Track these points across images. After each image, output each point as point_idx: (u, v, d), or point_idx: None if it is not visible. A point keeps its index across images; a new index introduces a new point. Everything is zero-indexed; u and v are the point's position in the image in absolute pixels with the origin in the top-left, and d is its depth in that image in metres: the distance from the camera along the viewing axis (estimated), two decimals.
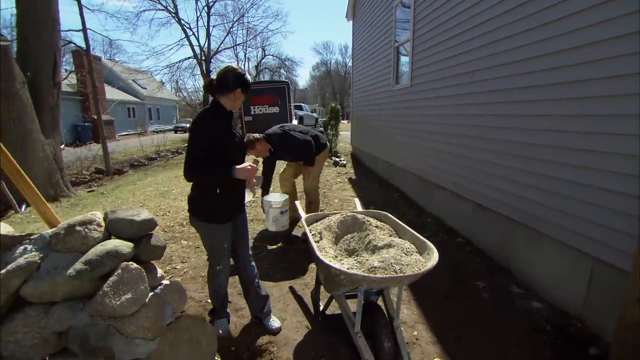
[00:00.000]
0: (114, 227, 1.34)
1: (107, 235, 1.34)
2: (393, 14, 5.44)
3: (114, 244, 1.25)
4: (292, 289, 2.59)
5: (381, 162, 6.32)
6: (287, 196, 3.14)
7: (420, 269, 1.69)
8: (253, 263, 2.12)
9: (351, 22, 8.55)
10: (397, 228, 2.17)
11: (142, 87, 24.94)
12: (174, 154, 12.82)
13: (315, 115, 21.77)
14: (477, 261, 2.95)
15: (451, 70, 3.59)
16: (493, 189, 2.96)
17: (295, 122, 15.90)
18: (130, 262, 1.26)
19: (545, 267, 2.37)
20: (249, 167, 1.78)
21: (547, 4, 2.26)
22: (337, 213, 2.33)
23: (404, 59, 5.26)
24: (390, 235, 2.15)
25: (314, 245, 1.81)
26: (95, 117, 11.08)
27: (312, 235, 2.06)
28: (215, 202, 1.85)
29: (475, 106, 3.18)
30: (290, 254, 3.22)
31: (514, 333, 2.04)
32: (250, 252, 2.12)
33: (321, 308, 2.25)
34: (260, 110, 13.92)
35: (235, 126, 1.93)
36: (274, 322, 2.10)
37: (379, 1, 6.16)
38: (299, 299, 2.46)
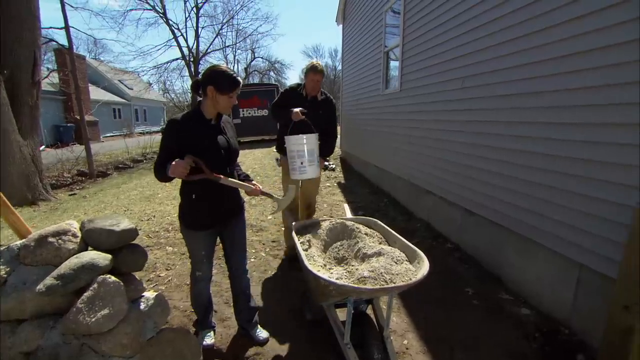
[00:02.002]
0: (91, 238, 1.26)
1: (84, 247, 1.27)
2: (383, 19, 5.47)
3: (91, 256, 1.17)
4: (281, 295, 2.53)
5: (371, 166, 6.32)
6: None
7: (410, 279, 1.66)
8: (248, 274, 2.05)
9: (341, 26, 8.58)
10: (387, 235, 2.14)
11: (129, 88, 24.43)
12: None
13: None
14: (467, 267, 2.95)
15: (440, 76, 3.62)
16: (482, 195, 2.97)
17: None
18: (108, 275, 1.18)
19: (533, 274, 2.38)
20: (180, 163, 1.51)
21: (535, 13, 2.29)
22: (326, 220, 2.29)
23: (394, 64, 5.29)
24: (380, 243, 2.12)
25: (302, 254, 1.77)
26: (78, 117, 10.78)
27: (301, 243, 2.01)
28: (191, 208, 1.78)
29: (465, 112, 3.20)
30: (274, 261, 3.15)
31: (505, 341, 2.03)
32: (247, 262, 2.05)
33: (309, 317, 2.20)
34: (249, 113, 13.82)
35: (225, 130, 1.81)
36: (261, 332, 2.04)
37: (369, 6, 6.19)
38: (286, 307, 2.40)
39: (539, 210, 2.32)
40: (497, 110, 2.74)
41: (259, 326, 2.08)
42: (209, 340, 1.99)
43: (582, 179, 1.99)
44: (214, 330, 2.09)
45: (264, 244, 3.55)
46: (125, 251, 1.32)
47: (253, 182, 1.89)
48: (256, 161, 9.33)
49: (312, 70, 2.74)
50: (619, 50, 1.76)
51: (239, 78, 1.70)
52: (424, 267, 1.65)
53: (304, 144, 2.53)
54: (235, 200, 1.91)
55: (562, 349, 1.95)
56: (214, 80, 1.63)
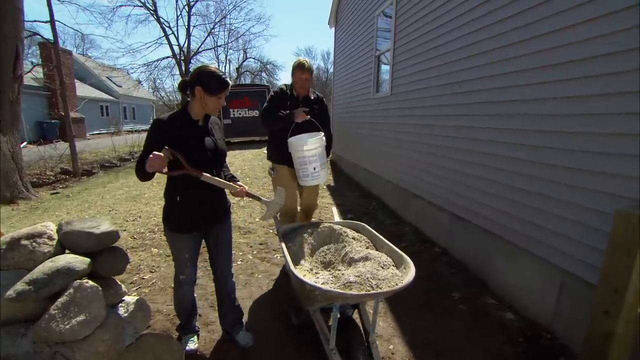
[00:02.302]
0: (69, 241, 1.21)
1: (60, 250, 1.22)
2: (375, 23, 5.50)
3: (67, 259, 1.13)
4: (267, 300, 2.50)
5: (360, 169, 6.34)
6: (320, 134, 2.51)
7: (397, 284, 1.66)
8: (233, 278, 2.01)
9: (333, 29, 8.61)
10: (374, 240, 2.14)
11: (118, 85, 23.98)
12: None
13: None
14: (454, 272, 2.97)
15: (432, 80, 3.65)
16: (470, 200, 3.00)
17: None
18: (85, 280, 1.14)
19: (518, 279, 2.41)
20: (157, 155, 1.43)
21: (531, 19, 2.30)
22: (313, 223, 2.27)
23: (385, 68, 5.32)
24: (367, 247, 2.11)
25: (288, 258, 1.74)
26: (63, 113, 10.50)
27: (287, 247, 1.99)
28: (175, 210, 1.75)
29: (454, 118, 3.24)
30: (262, 264, 3.12)
31: (489, 345, 2.04)
32: (232, 266, 2.01)
33: (296, 321, 2.18)
34: (240, 114, 13.72)
35: (213, 131, 1.77)
36: (246, 337, 2.00)
37: (361, 10, 6.23)
38: (272, 311, 2.37)
39: (525, 216, 2.35)
40: (486, 117, 2.78)
41: (243, 330, 2.04)
42: (192, 345, 1.94)
43: (568, 187, 2.02)
44: (198, 335, 2.05)
45: (251, 247, 3.51)
46: (105, 254, 1.28)
47: (239, 182, 1.86)
48: (246, 162, 9.26)
49: (299, 69, 2.60)
50: (618, 58, 1.75)
51: (228, 79, 1.67)
52: (410, 272, 1.65)
53: (316, 147, 2.33)
54: (221, 202, 1.88)
55: (544, 354, 1.98)
56: (203, 81, 1.60)
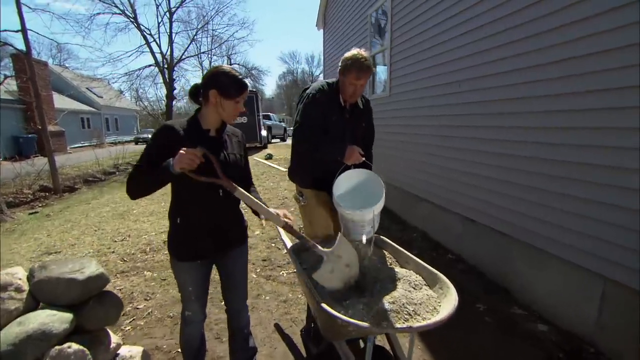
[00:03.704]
0: (44, 292, 0.96)
1: (33, 304, 0.96)
2: (368, 22, 5.34)
3: (41, 320, 0.88)
4: (278, 327, 2.26)
5: None
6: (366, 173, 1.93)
7: (434, 307, 1.46)
8: (248, 313, 1.76)
9: (322, 30, 8.44)
10: (397, 255, 1.93)
11: (98, 96, 23.21)
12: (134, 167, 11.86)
13: (283, 124, 21.46)
14: (473, 280, 2.80)
15: (434, 79, 3.50)
16: (484, 202, 2.84)
17: (264, 132, 15.48)
18: (68, 344, 0.89)
19: (548, 287, 2.25)
20: (189, 151, 1.25)
21: (536, 15, 2.18)
22: (327, 239, 2.05)
23: (381, 68, 5.16)
24: (390, 264, 1.91)
25: (314, 291, 1.51)
26: (40, 127, 9.98)
27: (305, 269, 1.76)
28: (176, 234, 1.50)
29: (463, 117, 3.08)
30: (267, 283, 2.87)
31: None
32: (246, 298, 1.75)
33: (315, 351, 1.95)
34: None
35: (228, 144, 1.53)
36: None
37: (352, 9, 6.07)
38: (287, 339, 2.13)
39: (552, 219, 2.20)
40: (497, 115, 2.63)
41: None
42: None
43: (604, 187, 1.86)
44: None
45: (253, 264, 3.25)
46: (93, 304, 1.03)
47: (278, 212, 1.52)
48: None
49: (357, 69, 1.83)
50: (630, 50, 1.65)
51: (245, 80, 1.45)
52: (450, 294, 1.45)
53: (379, 211, 1.80)
54: (236, 226, 1.61)
55: None
56: (218, 83, 1.38)
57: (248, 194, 1.45)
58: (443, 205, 3.47)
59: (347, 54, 1.92)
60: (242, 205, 1.55)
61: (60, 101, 17.39)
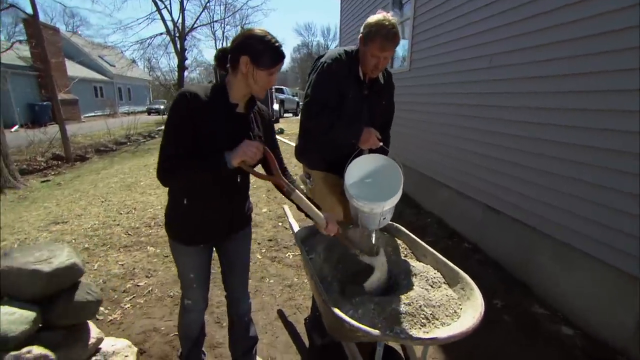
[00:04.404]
0: (4, 284, 0.83)
1: None
2: None
3: None
4: (281, 313, 2.15)
5: None
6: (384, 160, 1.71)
7: (455, 312, 1.29)
8: (250, 300, 1.64)
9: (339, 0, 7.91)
10: (414, 246, 1.76)
11: (111, 65, 23.03)
12: (145, 138, 11.86)
13: (296, 99, 20.96)
14: (490, 273, 2.62)
15: (462, 53, 3.16)
16: (509, 191, 2.61)
17: (276, 106, 15.13)
18: (27, 349, 0.76)
19: (577, 287, 2.05)
20: (253, 143, 1.14)
21: None
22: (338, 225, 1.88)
23: (401, 42, 4.78)
24: (405, 256, 1.74)
25: (321, 288, 1.36)
26: (49, 95, 9.93)
27: (311, 259, 1.61)
28: (180, 216, 1.34)
29: (490, 96, 2.78)
30: (272, 265, 2.76)
31: None
32: (248, 284, 1.63)
33: (319, 342, 1.84)
34: None
35: (256, 124, 1.34)
36: None
37: None
38: (290, 327, 2.03)
39: (585, 213, 1.96)
40: (531, 95, 2.33)
41: (257, 358, 1.70)
42: None
43: None
44: None
45: (259, 244, 3.14)
46: (65, 298, 0.89)
47: (328, 214, 1.41)
48: None
49: (382, 37, 1.56)
50: None
51: (283, 49, 1.22)
52: (475, 297, 1.27)
53: (395, 203, 1.63)
54: (242, 208, 1.45)
55: None
56: (251, 49, 1.16)
57: (305, 199, 1.29)
58: (462, 190, 3.25)
59: (371, 19, 1.63)
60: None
61: (72, 68, 17.29)
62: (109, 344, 1.08)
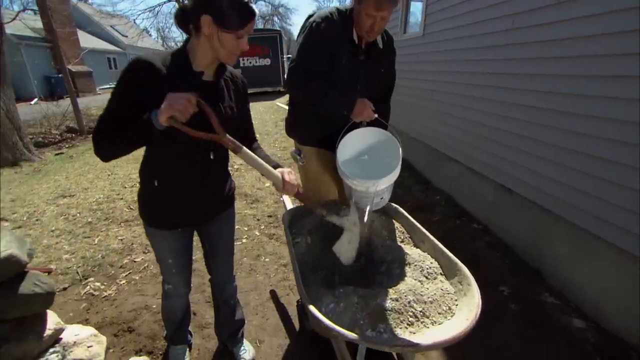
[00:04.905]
0: None
1: None
2: None
3: None
4: (273, 294, 2.10)
5: None
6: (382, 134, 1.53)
7: (450, 309, 1.17)
8: (235, 283, 1.58)
9: None
10: (412, 230, 1.61)
11: (123, 35, 22.77)
12: None
13: None
14: (498, 256, 2.46)
15: (480, 14, 2.81)
16: (525, 169, 2.38)
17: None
18: None
19: (594, 277, 1.87)
20: (182, 95, 0.96)
21: None
22: (329, 205, 1.74)
23: (416, 5, 4.35)
24: (401, 241, 1.60)
25: (297, 269, 1.25)
26: (68, 67, 9.90)
27: (296, 243, 1.50)
28: (152, 199, 1.24)
29: (511, 62, 2.47)
30: (269, 243, 2.69)
31: None
32: (233, 268, 1.55)
33: (310, 327, 1.77)
34: (250, 63, 12.72)
35: (226, 93, 1.19)
36: (246, 351, 1.62)
37: None
38: (281, 309, 1.97)
39: (610, 198, 1.74)
40: (559, 60, 2.03)
41: (244, 342, 1.65)
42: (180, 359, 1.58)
43: None
44: (190, 346, 1.68)
45: (258, 220, 3.08)
46: (5, 291, 0.82)
47: (284, 169, 1.24)
48: (256, 116, 8.66)
49: None
50: None
51: (253, 6, 1.03)
52: (472, 294, 1.14)
53: (393, 181, 1.48)
54: (221, 190, 1.34)
55: None
56: (214, 7, 0.97)
57: (255, 156, 1.15)
58: (474, 167, 3.02)
59: None
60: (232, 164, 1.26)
61: (84, 39, 17.19)
62: (71, 333, 1.03)
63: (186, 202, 1.24)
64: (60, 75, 14.91)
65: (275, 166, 1.25)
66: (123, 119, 1.01)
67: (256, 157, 1.16)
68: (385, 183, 1.43)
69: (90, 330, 1.14)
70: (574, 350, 1.66)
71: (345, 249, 1.37)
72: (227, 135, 1.09)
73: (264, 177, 4.25)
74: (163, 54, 1.09)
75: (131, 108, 1.01)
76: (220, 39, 1.02)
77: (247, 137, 1.34)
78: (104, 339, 1.28)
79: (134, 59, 1.03)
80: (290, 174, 1.22)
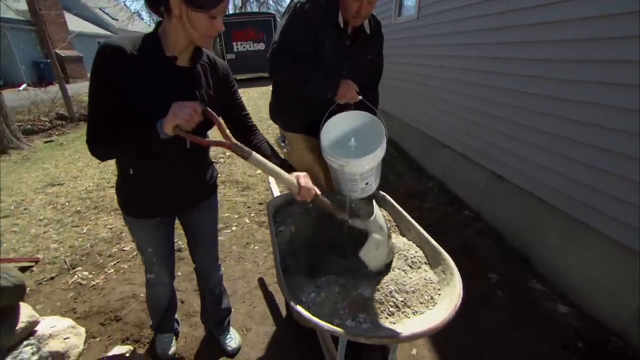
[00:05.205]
0: None
1: None
2: None
3: None
4: (262, 282, 2.10)
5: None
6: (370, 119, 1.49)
7: (432, 298, 1.16)
8: (220, 271, 1.56)
9: None
10: (398, 218, 1.59)
11: (113, 18, 22.11)
12: None
13: None
14: (489, 243, 2.47)
15: None
16: (517, 157, 2.35)
17: None
18: None
19: (581, 265, 1.88)
20: (190, 104, 0.94)
21: None
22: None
23: None
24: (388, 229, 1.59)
25: (278, 259, 1.24)
26: (57, 52, 9.62)
27: (280, 232, 1.48)
28: (129, 189, 1.21)
29: (504, 46, 2.41)
30: (259, 231, 2.68)
31: (539, 351, 1.61)
32: (217, 257, 1.53)
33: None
34: (244, 47, 12.44)
35: (205, 78, 1.12)
36: (232, 340, 1.62)
37: None
38: (269, 297, 1.97)
39: (602, 186, 1.73)
40: (554, 44, 1.97)
41: (230, 330, 1.66)
42: (168, 348, 1.58)
43: None
44: (177, 334, 1.69)
45: (249, 207, 3.06)
46: None
47: (299, 173, 1.18)
48: (250, 102, 8.54)
49: None
50: None
51: None
52: (454, 284, 1.13)
53: (379, 160, 1.45)
54: (202, 178, 1.29)
55: None
56: None
57: (265, 161, 1.09)
58: (468, 154, 2.99)
59: None
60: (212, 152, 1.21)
61: (72, 22, 16.67)
62: (47, 325, 1.01)
63: (163, 191, 1.20)
64: (49, 60, 14.55)
65: (289, 169, 1.19)
66: (113, 114, 0.97)
67: (267, 162, 1.09)
68: (370, 162, 1.40)
69: (67, 321, 1.13)
70: (558, 335, 1.68)
71: (373, 255, 1.26)
72: (236, 141, 1.04)
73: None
74: (133, 37, 1.03)
75: (116, 98, 0.96)
76: (192, 20, 0.96)
77: (241, 125, 1.28)
78: (82, 330, 1.27)
79: (101, 46, 0.98)
80: (305, 177, 1.17)
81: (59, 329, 1.05)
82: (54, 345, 1.02)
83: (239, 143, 1.05)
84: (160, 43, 1.02)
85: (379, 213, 1.32)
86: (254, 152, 1.06)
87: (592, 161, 1.77)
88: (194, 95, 1.09)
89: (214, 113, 1.01)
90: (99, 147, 1.00)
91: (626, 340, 1.61)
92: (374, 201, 1.42)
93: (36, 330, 0.97)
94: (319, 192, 1.20)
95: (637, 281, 1.55)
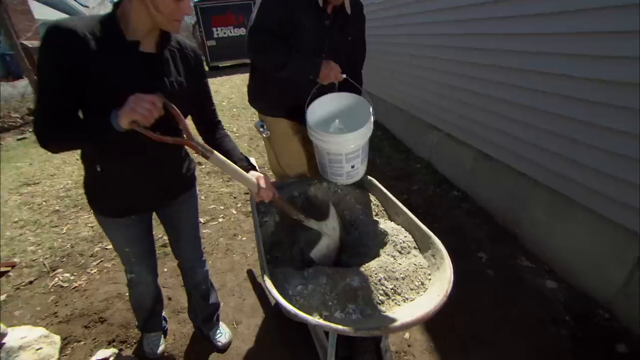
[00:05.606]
0: None
1: None
2: None
3: None
4: (251, 274, 2.06)
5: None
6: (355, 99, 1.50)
7: (422, 284, 1.13)
8: (206, 267, 1.50)
9: None
10: (387, 203, 1.56)
11: (83, 5, 20.92)
12: None
13: None
14: (477, 223, 2.47)
15: None
16: (503, 134, 2.33)
17: None
18: None
19: (568, 240, 1.90)
20: (146, 97, 0.85)
21: None
22: (301, 180, 1.67)
23: None
24: (375, 215, 1.55)
25: (262, 250, 1.19)
26: (23, 42, 9.06)
27: (264, 222, 1.43)
28: (97, 186, 1.13)
29: (487, 22, 2.35)
30: (246, 221, 2.62)
31: (528, 327, 1.63)
32: (203, 251, 1.47)
33: None
34: (225, 33, 12.00)
35: (172, 65, 1.03)
36: (222, 335, 1.59)
37: None
38: (259, 289, 1.94)
39: (585, 160, 1.72)
40: (542, 17, 1.92)
41: (220, 325, 1.62)
42: (156, 347, 1.54)
43: None
44: (165, 332, 1.64)
45: (235, 198, 2.99)
46: None
47: (259, 174, 1.17)
48: (234, 89, 8.28)
49: None
50: None
51: None
52: (444, 268, 1.10)
53: (366, 139, 1.43)
54: (176, 169, 1.21)
55: (598, 337, 1.57)
56: None
57: (227, 161, 1.06)
58: (455, 134, 2.97)
59: None
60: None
61: (40, 11, 15.71)
62: (17, 336, 0.95)
63: (134, 187, 1.13)
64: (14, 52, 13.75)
65: (248, 168, 1.17)
66: (65, 102, 0.89)
67: (228, 162, 1.08)
68: (356, 140, 1.38)
69: (40, 331, 1.06)
70: (547, 310, 1.71)
71: (324, 254, 1.31)
72: (197, 139, 1.00)
73: (244, 152, 4.14)
74: (87, 19, 0.92)
75: (68, 84, 0.87)
76: (154, 1, 0.87)
77: (206, 116, 1.22)
78: (57, 338, 1.21)
79: (50, 27, 0.87)
80: (265, 178, 1.16)
81: (29, 340, 0.99)
82: (25, 358, 0.96)
83: (200, 141, 1.02)
84: (119, 26, 0.92)
85: (334, 214, 1.37)
86: (215, 152, 1.04)
87: (576, 135, 1.75)
88: (161, 84, 1.00)
89: (174, 106, 0.94)
90: (48, 138, 0.91)
91: (611, 313, 1.64)
92: (330, 204, 1.43)
93: (4, 343, 0.91)
94: (277, 194, 1.20)
95: (622, 255, 1.57)
